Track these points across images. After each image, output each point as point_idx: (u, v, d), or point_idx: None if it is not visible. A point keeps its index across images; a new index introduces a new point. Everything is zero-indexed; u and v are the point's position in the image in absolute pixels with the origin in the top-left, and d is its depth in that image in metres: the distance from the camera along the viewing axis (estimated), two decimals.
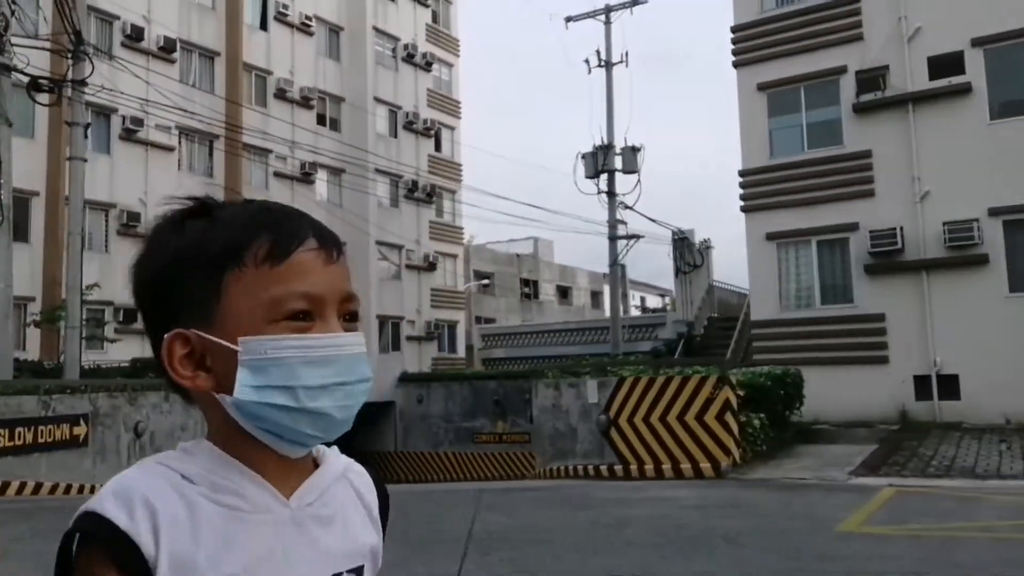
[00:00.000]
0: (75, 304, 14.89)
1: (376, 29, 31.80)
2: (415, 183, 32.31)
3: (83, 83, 15.17)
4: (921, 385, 14.26)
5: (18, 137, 20.60)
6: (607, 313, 38.59)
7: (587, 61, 27.64)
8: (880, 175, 14.76)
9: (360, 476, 0.90)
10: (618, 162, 25.85)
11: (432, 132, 33.90)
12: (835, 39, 15.25)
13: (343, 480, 0.86)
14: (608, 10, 27.82)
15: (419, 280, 32.81)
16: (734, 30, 16.39)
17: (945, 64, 14.43)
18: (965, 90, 14.15)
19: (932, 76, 14.54)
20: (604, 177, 25.93)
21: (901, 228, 14.40)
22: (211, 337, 0.76)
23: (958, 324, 13.88)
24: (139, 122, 22.98)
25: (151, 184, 23.78)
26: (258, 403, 0.75)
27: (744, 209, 15.98)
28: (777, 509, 7.44)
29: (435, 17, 35.37)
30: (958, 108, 14.20)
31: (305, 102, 28.95)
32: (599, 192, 26.68)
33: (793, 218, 15.36)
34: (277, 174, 27.76)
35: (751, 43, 16.12)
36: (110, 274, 22.64)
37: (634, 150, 26.15)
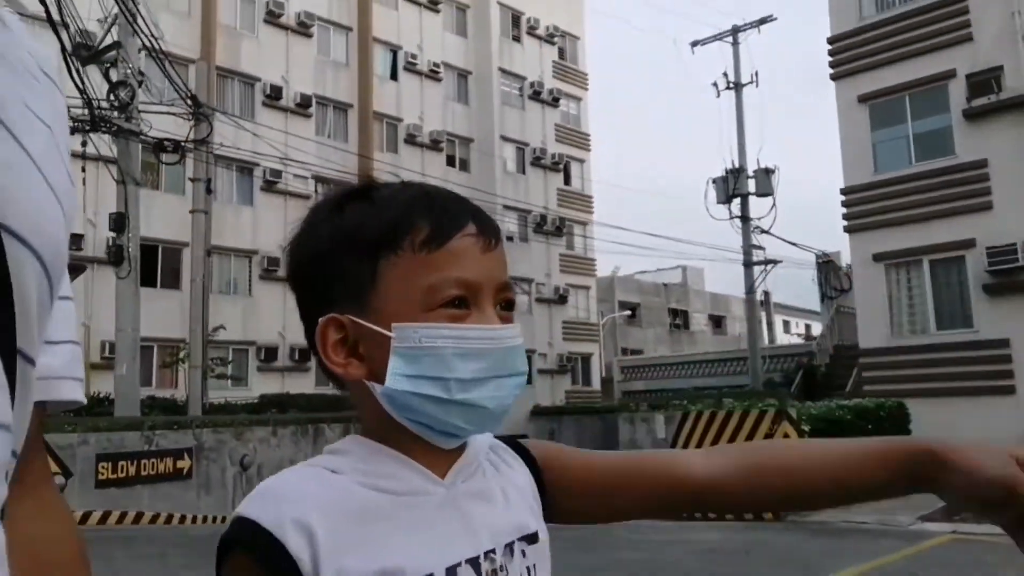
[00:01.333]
0: (197, 345, 16.26)
1: (502, 70, 32.71)
2: (544, 217, 32.70)
3: (203, 142, 16.71)
4: None
5: (169, 194, 23.06)
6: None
7: (715, 84, 27.02)
8: (998, 186, 13.33)
9: (503, 449, 0.87)
10: (751, 185, 24.97)
11: (560, 166, 34.28)
12: (941, 42, 14.04)
13: (490, 456, 0.84)
14: (735, 31, 27.15)
15: (550, 313, 32.99)
16: (831, 41, 15.51)
17: None
18: None
19: None
20: (737, 201, 25.13)
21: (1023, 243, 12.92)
22: (365, 323, 0.74)
23: None
24: (278, 174, 24.92)
25: (289, 231, 25.59)
26: (409, 393, 0.73)
27: (848, 229, 14.94)
28: (784, 556, 6.86)
29: (561, 54, 35.89)
30: None
31: (434, 145, 30.19)
32: (731, 217, 25.88)
33: (902, 237, 14.16)
34: None
35: (849, 53, 15.16)
36: (253, 316, 24.62)
37: (767, 172, 25.15)
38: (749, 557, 6.71)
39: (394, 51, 29.76)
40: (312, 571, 0.67)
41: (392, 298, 0.74)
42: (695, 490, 0.83)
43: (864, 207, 14.71)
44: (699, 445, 10.22)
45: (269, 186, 25.11)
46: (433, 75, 30.63)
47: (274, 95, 25.36)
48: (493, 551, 0.75)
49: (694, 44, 28.59)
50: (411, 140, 29.36)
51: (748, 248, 25.18)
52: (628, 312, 48.20)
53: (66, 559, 0.51)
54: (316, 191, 26.73)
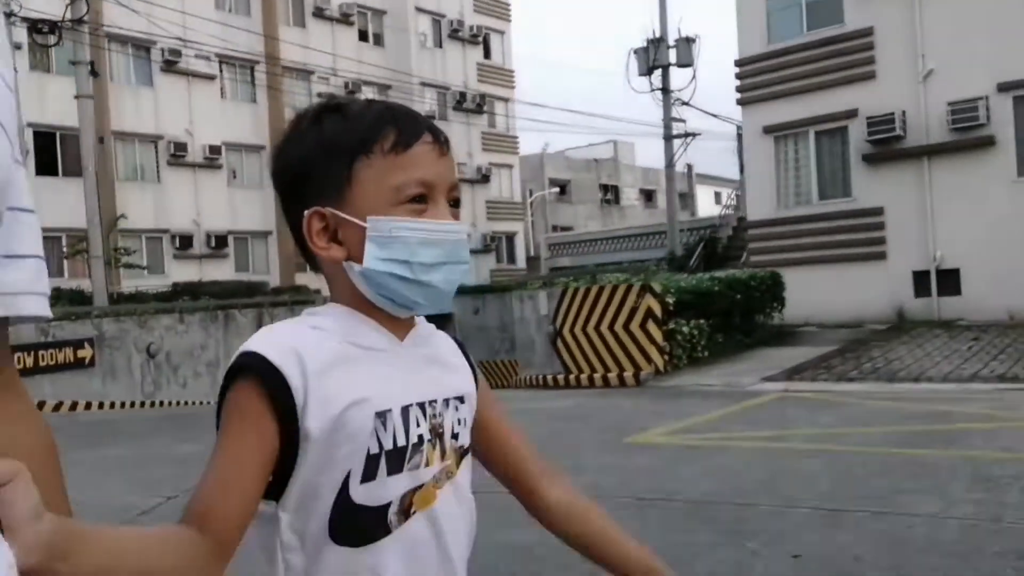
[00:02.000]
0: (96, 235, 15.91)
1: None
2: (463, 94, 31.99)
3: (81, 21, 15.73)
4: (920, 281, 13.37)
5: (62, 77, 21.75)
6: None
7: None
8: (882, 55, 13.51)
9: (444, 337, 1.05)
10: (672, 56, 24.58)
11: (479, 39, 33.25)
12: None
13: (435, 334, 1.02)
14: None
15: (473, 193, 32.80)
16: None
17: None
18: None
19: None
20: (659, 73, 24.84)
21: (903, 112, 13.24)
22: (344, 215, 0.90)
23: (961, 214, 12.82)
24: (177, 53, 23.66)
25: (195, 114, 24.62)
26: (382, 272, 0.89)
27: (740, 102, 15.08)
28: (603, 417, 7.42)
29: None
30: None
31: (345, 19, 28.91)
32: (652, 89, 25.68)
33: (791, 108, 14.37)
34: (321, 95, 28.06)
35: None
36: (164, 203, 23.99)
37: (688, 41, 24.73)
38: (588, 423, 7.19)
39: None
40: (303, 396, 0.83)
41: (366, 193, 0.90)
42: (530, 502, 1.04)
43: (756, 79, 14.81)
44: (575, 321, 10.62)
45: (169, 66, 23.90)
46: None
47: None
48: (435, 401, 0.93)
49: None
50: (319, 13, 28.03)
51: (668, 121, 25.15)
52: (558, 189, 48.29)
53: (33, 464, 0.52)
54: (221, 71, 25.61)
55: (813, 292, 13.97)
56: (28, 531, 0.52)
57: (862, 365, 9.53)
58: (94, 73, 16.76)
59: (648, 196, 53.54)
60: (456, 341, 1.06)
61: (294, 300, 17.60)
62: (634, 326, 9.91)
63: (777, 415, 6.97)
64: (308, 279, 25.46)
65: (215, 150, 24.88)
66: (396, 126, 0.92)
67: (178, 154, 24.04)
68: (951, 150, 12.90)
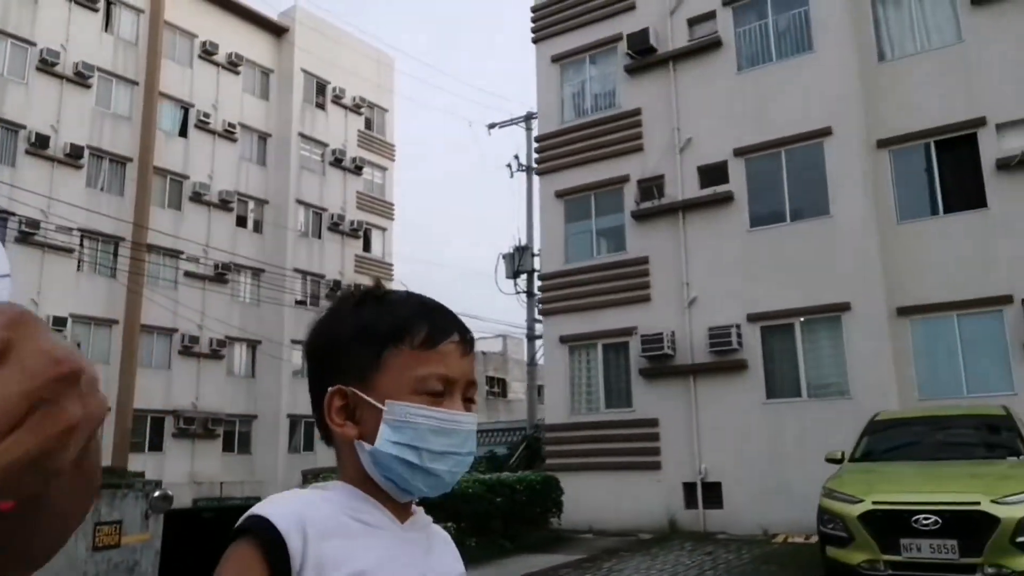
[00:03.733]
0: None
1: (303, 135, 33.11)
2: (338, 283, 32.88)
3: None
4: (689, 493, 14.01)
5: None
6: None
7: (509, 166, 28.46)
8: (656, 281, 14.94)
9: (439, 530, 1.08)
10: (536, 262, 26.17)
11: (360, 232, 34.74)
12: (621, 149, 15.74)
13: (431, 526, 1.05)
14: (528, 117, 28.83)
15: None
16: (538, 139, 17.03)
17: (712, 173, 14.80)
18: (728, 198, 14.45)
19: (702, 185, 14.90)
20: (525, 278, 26.31)
21: (673, 333, 14.47)
22: (365, 396, 0.96)
23: (722, 430, 13.75)
24: (36, 224, 23.91)
25: (44, 286, 24.49)
26: (391, 456, 0.93)
27: (543, 312, 16.17)
28: None
29: (368, 124, 36.75)
30: (722, 215, 14.47)
31: (224, 204, 29.93)
32: (517, 292, 27.10)
33: (583, 322, 15.51)
34: (188, 274, 28.42)
35: (551, 152, 16.67)
36: None
37: None
38: None
39: (185, 108, 29.60)
40: (300, 560, 0.87)
41: (390, 380, 0.96)
42: None
43: (555, 292, 16.01)
44: None
45: (25, 237, 24.07)
46: (228, 135, 30.58)
47: (40, 144, 24.57)
48: None
49: (491, 126, 30.25)
50: (197, 198, 29.02)
51: (531, 322, 26.42)
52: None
53: None
54: (82, 244, 25.88)
55: (597, 498, 14.43)
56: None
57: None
58: None
59: (539, 391, 54.19)
60: (451, 535, 1.12)
61: (108, 483, 16.94)
62: None
63: None
64: (140, 462, 24.53)
65: (59, 321, 24.59)
66: (429, 322, 0.99)
67: None
68: (712, 370, 14.03)
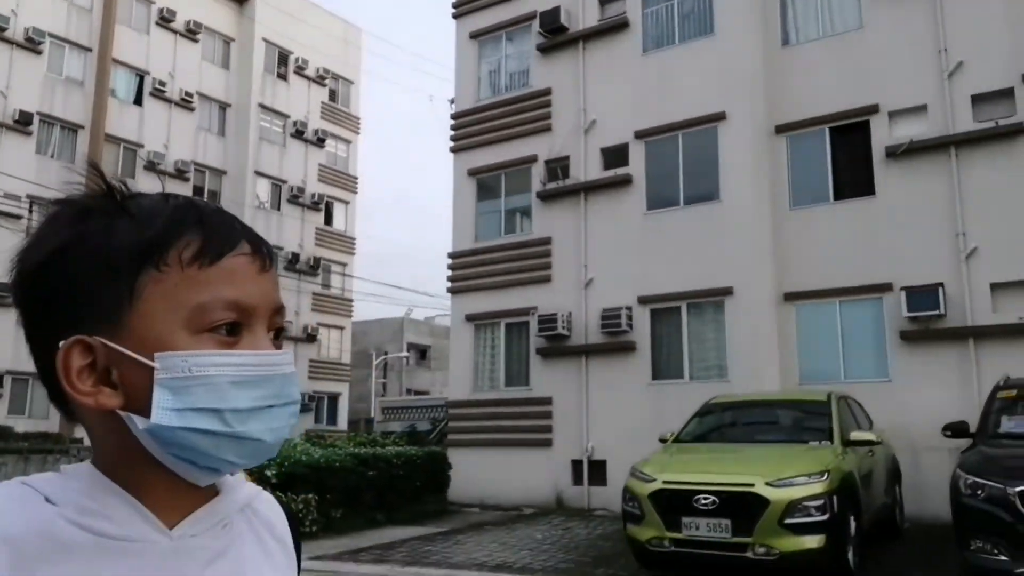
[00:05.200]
0: None
1: (263, 106, 33.04)
2: (296, 255, 32.95)
3: None
4: (576, 470, 14.19)
5: None
6: None
7: None
8: (557, 261, 15.02)
9: (270, 504, 0.82)
10: None
11: (321, 205, 34.74)
12: (531, 128, 15.75)
13: (247, 511, 0.78)
14: None
15: (296, 351, 32.99)
16: (453, 117, 17.00)
17: (615, 155, 14.83)
18: (627, 181, 14.49)
19: (605, 167, 14.93)
20: None
21: (570, 314, 14.58)
22: (121, 348, 0.67)
23: (609, 410, 13.90)
24: None
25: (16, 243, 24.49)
26: (180, 428, 0.66)
27: (451, 290, 16.26)
28: None
29: (332, 95, 36.62)
30: (621, 198, 14.52)
31: (180, 174, 29.95)
32: None
33: (488, 301, 15.61)
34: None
35: (466, 130, 16.67)
36: None
37: None
38: None
39: (140, 76, 29.51)
40: None
41: (154, 319, 0.67)
42: None
43: (464, 271, 16.10)
44: None
45: None
46: (185, 104, 30.52)
47: None
48: None
49: (452, 100, 30.11)
50: (151, 167, 29.02)
51: None
52: (414, 354, 49.22)
53: None
54: (31, 211, 25.92)
55: (491, 473, 14.63)
56: None
57: (433, 547, 9.97)
58: None
59: None
60: (286, 510, 0.84)
61: (41, 448, 17.13)
62: None
63: None
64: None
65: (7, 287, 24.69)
66: (202, 228, 0.70)
67: None
68: (603, 351, 14.16)
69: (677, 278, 13.61)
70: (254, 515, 0.79)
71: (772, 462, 7.40)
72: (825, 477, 7.10)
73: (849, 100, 13.37)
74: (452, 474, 15.03)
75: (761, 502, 6.95)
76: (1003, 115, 12.18)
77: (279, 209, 33.49)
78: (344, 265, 36.57)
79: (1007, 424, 7.20)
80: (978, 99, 12.43)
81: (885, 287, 12.64)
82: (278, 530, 0.81)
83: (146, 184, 24.86)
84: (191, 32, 30.98)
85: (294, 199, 33.63)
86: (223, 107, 32.59)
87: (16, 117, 25.40)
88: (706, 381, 13.15)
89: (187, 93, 30.58)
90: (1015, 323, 11.67)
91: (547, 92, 15.72)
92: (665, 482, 7.46)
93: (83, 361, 0.68)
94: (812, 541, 6.91)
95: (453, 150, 16.81)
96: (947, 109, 12.54)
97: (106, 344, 0.68)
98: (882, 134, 13.08)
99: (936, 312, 11.97)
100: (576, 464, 14.23)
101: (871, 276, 12.75)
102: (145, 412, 0.67)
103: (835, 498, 7.05)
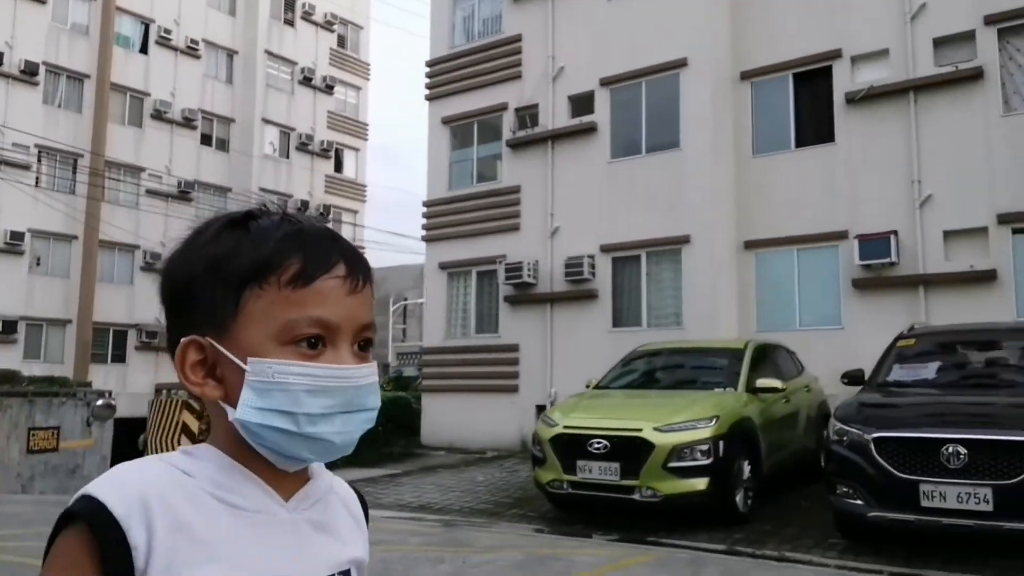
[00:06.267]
0: None
1: (269, 53, 33.07)
2: (306, 204, 33.34)
3: None
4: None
5: None
6: None
7: None
8: (525, 210, 15.17)
9: (346, 490, 0.94)
10: None
11: (330, 153, 34.95)
12: (502, 76, 15.74)
13: (332, 492, 0.90)
14: None
15: None
16: (428, 64, 17.01)
17: (581, 103, 14.80)
18: (592, 129, 14.48)
19: (573, 115, 14.92)
20: None
21: (536, 262, 14.78)
22: (223, 350, 0.79)
23: (572, 357, 14.17)
24: None
25: (3, 202, 25.29)
26: (259, 424, 0.78)
27: (425, 239, 16.52)
28: None
29: (341, 41, 36.49)
30: (588, 146, 14.54)
31: (187, 123, 30.26)
32: None
33: (461, 249, 15.85)
34: (151, 192, 29.05)
35: (440, 78, 16.70)
36: None
37: None
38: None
39: (146, 24, 29.69)
40: (144, 559, 0.71)
41: (251, 329, 0.79)
42: None
43: (438, 219, 16.33)
44: (159, 430, 11.38)
45: None
46: (191, 51, 30.67)
47: None
48: None
49: None
50: (159, 116, 29.37)
51: None
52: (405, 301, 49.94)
53: None
54: (40, 161, 26.58)
55: (459, 418, 15.09)
56: None
57: (374, 488, 10.44)
58: None
59: None
60: (357, 494, 0.97)
61: (46, 392, 17.88)
62: (174, 441, 10.76)
63: None
64: (102, 373, 25.80)
65: (17, 235, 25.46)
66: (302, 253, 0.80)
67: None
68: (567, 299, 14.39)
69: (638, 226, 13.69)
70: (336, 496, 0.92)
71: (667, 408, 7.64)
72: (714, 422, 7.33)
73: (813, 45, 13.16)
74: (426, 418, 15.55)
75: (648, 446, 7.21)
76: (964, 59, 11.92)
77: (288, 157, 33.76)
78: (355, 212, 36.89)
79: (897, 372, 7.32)
80: (940, 43, 12.16)
81: (841, 235, 12.62)
82: (353, 508, 0.94)
83: (154, 132, 25.25)
84: None
85: (303, 147, 33.85)
86: (230, 54, 32.68)
87: (22, 68, 25.83)
88: (662, 328, 13.33)
89: (193, 40, 30.71)
90: (966, 271, 11.62)
91: (518, 39, 15.65)
92: (565, 427, 7.75)
93: (196, 357, 0.82)
94: (696, 484, 7.18)
95: (428, 98, 16.88)
96: (908, 53, 12.30)
97: (213, 344, 0.80)
98: (844, 80, 12.89)
99: (888, 260, 11.95)
100: (540, 409, 14.56)
101: (828, 224, 12.72)
102: (235, 406, 0.79)
103: (721, 443, 7.28)
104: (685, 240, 13.27)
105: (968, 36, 11.92)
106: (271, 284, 0.79)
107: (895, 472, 5.89)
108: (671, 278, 13.52)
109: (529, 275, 14.56)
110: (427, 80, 16.93)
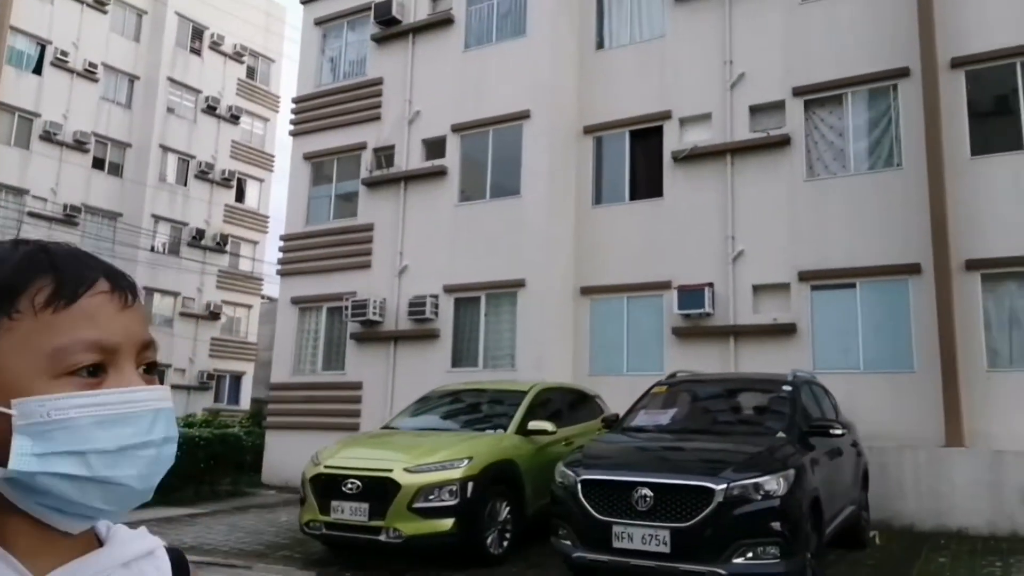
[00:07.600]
0: None
1: (172, 80, 32.76)
2: (201, 232, 32.86)
3: None
4: None
5: None
6: None
7: None
8: (377, 248, 15.35)
9: (160, 563, 0.77)
10: None
11: (232, 182, 34.61)
12: (363, 116, 16.02)
13: (132, 568, 0.73)
14: None
15: (197, 329, 32.94)
16: (295, 101, 17.19)
17: (434, 146, 15.17)
18: (442, 172, 14.83)
19: (426, 157, 15.26)
20: None
21: (384, 300, 14.92)
22: None
23: (412, 396, 14.15)
24: None
25: None
26: (43, 474, 0.64)
27: (280, 273, 16.52)
28: None
29: (251, 73, 36.39)
30: (438, 188, 14.86)
31: (79, 145, 29.66)
32: None
33: (314, 285, 15.91)
34: (34, 214, 28.24)
35: (305, 115, 16.89)
36: None
37: None
38: None
39: (42, 44, 29.18)
40: None
41: (10, 368, 0.66)
42: None
43: (294, 254, 16.37)
44: None
45: None
46: (88, 74, 30.21)
47: None
48: None
49: None
50: (48, 137, 28.77)
51: None
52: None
53: None
54: None
55: (300, 456, 14.92)
56: None
57: (167, 529, 10.31)
58: None
59: None
60: (173, 558, 0.80)
61: None
62: None
63: None
64: None
65: None
66: (54, 271, 0.69)
67: None
68: (411, 337, 14.55)
69: (479, 269, 14.01)
70: (140, 574, 0.75)
71: (423, 449, 7.81)
72: (466, 463, 7.52)
73: (648, 105, 13.82)
74: (268, 456, 15.40)
75: (395, 487, 7.35)
76: (774, 126, 12.69)
77: (185, 184, 33.31)
78: (255, 244, 36.49)
79: (641, 418, 7.66)
80: (755, 110, 12.94)
81: (665, 285, 13.15)
82: None
83: (42, 154, 24.62)
84: (100, 3, 30.67)
85: (202, 175, 33.46)
86: (131, 79, 32.29)
87: None
88: (497, 370, 13.59)
89: (91, 64, 30.30)
90: (770, 323, 12.24)
91: (379, 82, 15.98)
92: (326, 467, 7.85)
93: None
94: (441, 525, 7.33)
95: (292, 133, 17.03)
96: (728, 118, 13.04)
97: None
98: (673, 139, 13.57)
99: (703, 311, 12.50)
100: None
101: (654, 274, 13.26)
102: (7, 461, 0.65)
103: (471, 484, 7.47)
104: (520, 284, 13.62)
105: (779, 105, 12.72)
106: (24, 311, 0.67)
107: (594, 514, 6.17)
108: (508, 321, 13.84)
109: (375, 313, 14.69)
110: (292, 116, 17.10)
